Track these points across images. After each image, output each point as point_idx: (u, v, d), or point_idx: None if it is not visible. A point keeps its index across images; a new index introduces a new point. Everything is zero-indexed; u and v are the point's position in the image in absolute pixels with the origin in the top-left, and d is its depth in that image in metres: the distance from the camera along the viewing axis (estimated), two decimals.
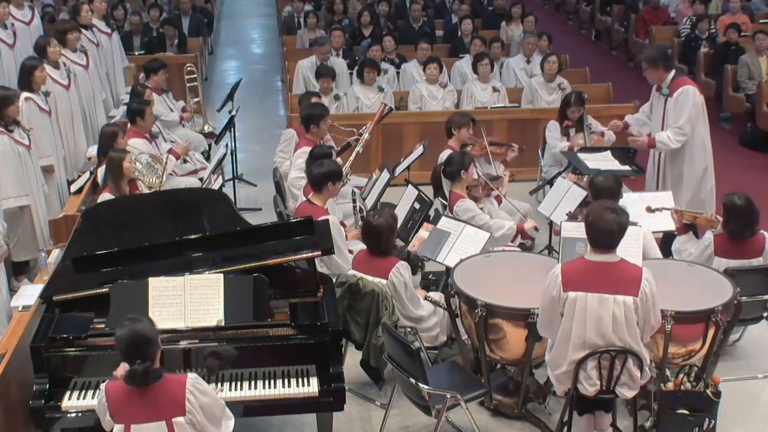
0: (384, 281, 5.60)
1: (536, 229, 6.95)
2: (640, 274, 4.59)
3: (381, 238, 5.72)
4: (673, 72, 7.32)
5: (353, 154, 7.78)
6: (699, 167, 7.29)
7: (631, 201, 6.35)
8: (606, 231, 4.54)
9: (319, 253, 5.09)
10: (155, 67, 9.10)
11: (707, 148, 7.37)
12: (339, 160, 7.70)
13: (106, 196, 6.42)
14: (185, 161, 8.11)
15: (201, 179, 7.71)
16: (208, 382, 4.60)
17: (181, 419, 4.01)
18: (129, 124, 7.74)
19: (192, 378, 4.08)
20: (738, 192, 6.04)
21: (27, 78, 7.79)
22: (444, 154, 7.45)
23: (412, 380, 4.83)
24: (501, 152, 7.85)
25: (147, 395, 3.98)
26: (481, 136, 7.78)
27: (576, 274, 4.61)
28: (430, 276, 6.99)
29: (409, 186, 7.02)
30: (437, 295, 5.99)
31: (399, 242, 6.42)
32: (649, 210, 6.27)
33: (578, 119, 8.20)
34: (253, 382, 4.67)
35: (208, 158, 8.94)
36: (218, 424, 4.16)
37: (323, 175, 6.29)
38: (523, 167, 8.88)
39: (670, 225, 6.39)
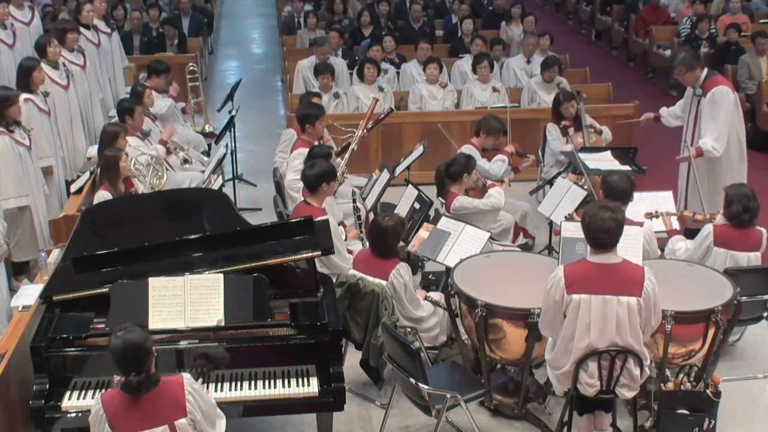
0: (384, 282, 5.60)
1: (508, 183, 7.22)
2: (643, 275, 4.59)
3: (385, 240, 5.72)
4: (705, 70, 7.35)
5: (348, 152, 7.78)
6: (734, 161, 7.35)
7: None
8: (604, 229, 4.53)
9: (319, 253, 5.09)
10: (159, 70, 9.12)
11: (741, 141, 7.45)
12: (339, 160, 7.71)
13: (102, 194, 6.42)
14: (186, 161, 8.12)
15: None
16: (208, 382, 4.63)
17: (183, 421, 4.00)
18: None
19: (187, 378, 4.08)
20: (743, 184, 6.14)
21: (25, 79, 7.79)
22: (464, 149, 7.49)
23: (412, 380, 4.83)
24: (517, 161, 7.90)
25: (146, 402, 3.96)
26: (506, 143, 7.84)
27: (579, 277, 4.60)
28: (430, 276, 7.00)
29: (409, 186, 7.02)
30: (437, 295, 5.99)
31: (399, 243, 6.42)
32: (649, 216, 6.28)
33: (575, 117, 8.20)
34: (253, 382, 4.67)
35: (208, 158, 8.94)
36: (213, 425, 4.17)
37: (316, 177, 6.30)
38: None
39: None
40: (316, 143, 7.52)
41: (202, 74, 12.82)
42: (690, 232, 6.67)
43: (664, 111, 7.87)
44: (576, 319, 4.61)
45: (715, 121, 7.18)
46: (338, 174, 7.40)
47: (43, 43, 8.59)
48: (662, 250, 6.31)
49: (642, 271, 4.62)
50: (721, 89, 7.21)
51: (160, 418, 3.97)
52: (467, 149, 7.49)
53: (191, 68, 10.24)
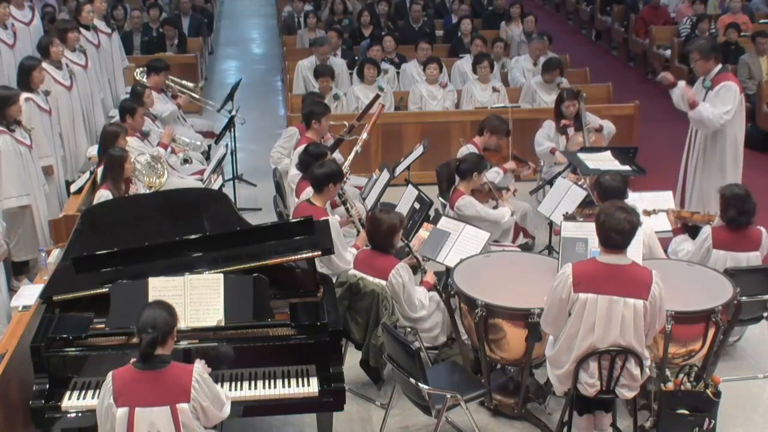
0: (384, 282, 5.60)
1: (513, 192, 7.20)
2: (651, 278, 4.58)
3: (379, 231, 5.71)
4: (720, 66, 7.36)
5: (352, 154, 7.78)
6: (728, 164, 7.34)
7: (631, 201, 6.34)
8: (617, 230, 4.52)
9: (319, 253, 5.09)
10: (158, 68, 9.12)
11: (738, 145, 7.45)
12: (338, 155, 7.71)
13: (103, 193, 6.42)
14: (186, 161, 8.12)
15: (201, 180, 7.71)
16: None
17: (185, 405, 4.06)
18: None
19: (198, 367, 4.16)
20: (737, 184, 6.12)
21: (25, 78, 7.80)
22: (465, 149, 7.49)
23: (412, 380, 4.83)
24: (517, 167, 7.89)
25: (153, 379, 4.04)
26: (508, 147, 7.83)
27: (587, 276, 4.59)
28: None
29: (409, 186, 7.01)
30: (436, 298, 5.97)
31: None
32: (647, 213, 6.29)
33: (576, 116, 8.19)
34: (253, 382, 4.67)
35: (208, 158, 8.94)
36: (221, 409, 4.24)
37: (324, 176, 6.28)
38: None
39: (668, 226, 6.41)
40: (321, 141, 7.53)
41: (202, 74, 12.86)
42: (693, 230, 6.67)
43: (682, 83, 7.71)
44: (581, 318, 4.61)
45: (722, 106, 7.19)
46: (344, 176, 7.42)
47: (46, 44, 8.60)
48: (665, 249, 6.31)
49: (650, 274, 4.61)
50: (729, 84, 7.23)
51: (163, 398, 4.04)
52: (468, 149, 7.47)
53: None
